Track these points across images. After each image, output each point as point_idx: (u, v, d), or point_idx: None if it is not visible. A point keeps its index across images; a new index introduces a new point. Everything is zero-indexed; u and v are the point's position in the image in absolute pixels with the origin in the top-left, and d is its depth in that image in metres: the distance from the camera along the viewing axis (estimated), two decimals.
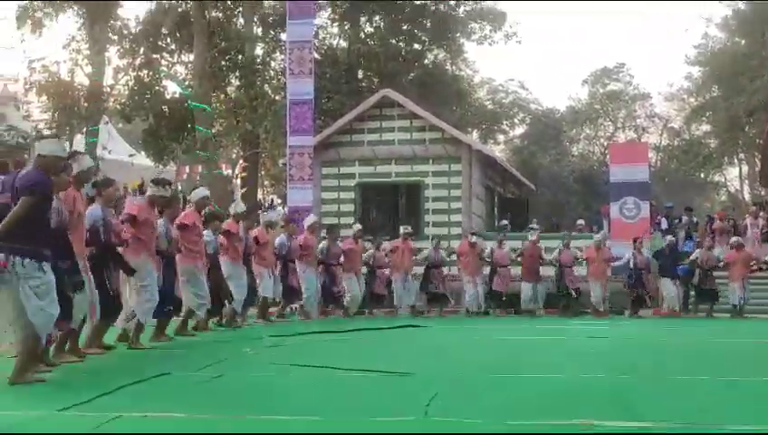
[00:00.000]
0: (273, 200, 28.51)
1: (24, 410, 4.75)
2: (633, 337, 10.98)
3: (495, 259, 15.98)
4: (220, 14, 25.93)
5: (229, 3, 26.32)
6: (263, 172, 32.66)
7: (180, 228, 9.26)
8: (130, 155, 25.91)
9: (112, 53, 25.08)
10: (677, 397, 5.39)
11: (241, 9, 27.46)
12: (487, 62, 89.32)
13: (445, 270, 16.23)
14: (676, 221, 20.31)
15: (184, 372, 6.48)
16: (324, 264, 14.26)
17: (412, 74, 32.53)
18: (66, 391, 5.38)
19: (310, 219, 14.36)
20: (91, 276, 7.08)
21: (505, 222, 19.18)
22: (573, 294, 15.86)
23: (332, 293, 14.33)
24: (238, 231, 11.14)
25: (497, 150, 40.15)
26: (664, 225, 19.62)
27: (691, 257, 16.13)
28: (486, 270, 16.11)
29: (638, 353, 8.69)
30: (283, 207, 20.23)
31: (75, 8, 24.35)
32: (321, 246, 14.34)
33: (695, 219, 20.86)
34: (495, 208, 21.92)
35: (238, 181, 30.19)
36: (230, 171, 29.32)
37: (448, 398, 5.20)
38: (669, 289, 15.72)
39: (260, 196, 31.83)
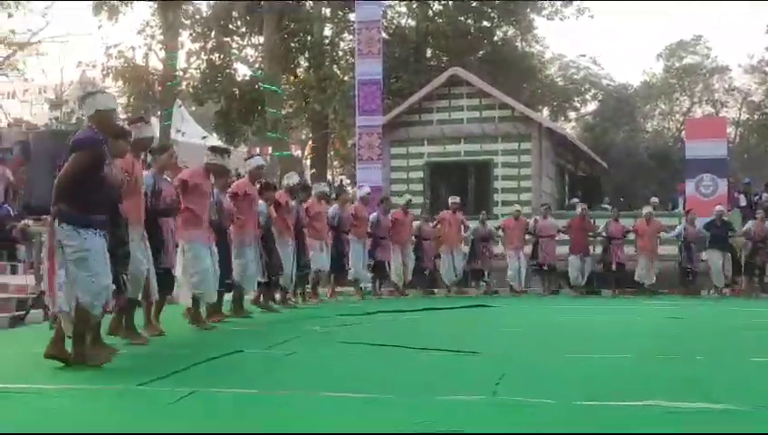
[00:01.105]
0: (341, 181, 28.72)
1: (104, 384, 4.95)
2: (705, 317, 10.74)
3: (539, 230, 15.64)
4: None
5: None
6: (332, 153, 32.88)
7: (231, 197, 9.11)
8: (203, 137, 26.40)
9: (185, 37, 25.58)
10: (752, 379, 5.28)
11: None
12: (558, 38, 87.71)
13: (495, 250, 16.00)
14: (756, 198, 19.63)
15: (256, 349, 6.60)
16: (373, 236, 13.79)
17: (481, 52, 32.12)
18: (142, 367, 5.55)
19: (363, 190, 14.01)
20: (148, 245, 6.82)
21: (576, 200, 18.85)
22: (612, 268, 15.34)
23: (379, 263, 13.87)
24: (288, 203, 10.83)
25: (568, 128, 39.39)
26: (742, 202, 18.99)
27: (743, 229, 15.49)
28: (529, 249, 15.78)
29: (708, 334, 8.50)
30: (353, 188, 20.35)
31: None
32: (372, 216, 13.90)
33: None
34: (566, 187, 21.60)
35: (308, 162, 30.51)
36: (300, 152, 29.64)
37: (517, 378, 5.21)
38: (716, 263, 14.89)
39: (329, 176, 32.08)
